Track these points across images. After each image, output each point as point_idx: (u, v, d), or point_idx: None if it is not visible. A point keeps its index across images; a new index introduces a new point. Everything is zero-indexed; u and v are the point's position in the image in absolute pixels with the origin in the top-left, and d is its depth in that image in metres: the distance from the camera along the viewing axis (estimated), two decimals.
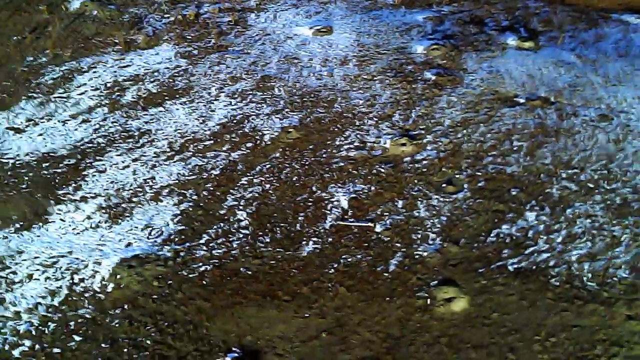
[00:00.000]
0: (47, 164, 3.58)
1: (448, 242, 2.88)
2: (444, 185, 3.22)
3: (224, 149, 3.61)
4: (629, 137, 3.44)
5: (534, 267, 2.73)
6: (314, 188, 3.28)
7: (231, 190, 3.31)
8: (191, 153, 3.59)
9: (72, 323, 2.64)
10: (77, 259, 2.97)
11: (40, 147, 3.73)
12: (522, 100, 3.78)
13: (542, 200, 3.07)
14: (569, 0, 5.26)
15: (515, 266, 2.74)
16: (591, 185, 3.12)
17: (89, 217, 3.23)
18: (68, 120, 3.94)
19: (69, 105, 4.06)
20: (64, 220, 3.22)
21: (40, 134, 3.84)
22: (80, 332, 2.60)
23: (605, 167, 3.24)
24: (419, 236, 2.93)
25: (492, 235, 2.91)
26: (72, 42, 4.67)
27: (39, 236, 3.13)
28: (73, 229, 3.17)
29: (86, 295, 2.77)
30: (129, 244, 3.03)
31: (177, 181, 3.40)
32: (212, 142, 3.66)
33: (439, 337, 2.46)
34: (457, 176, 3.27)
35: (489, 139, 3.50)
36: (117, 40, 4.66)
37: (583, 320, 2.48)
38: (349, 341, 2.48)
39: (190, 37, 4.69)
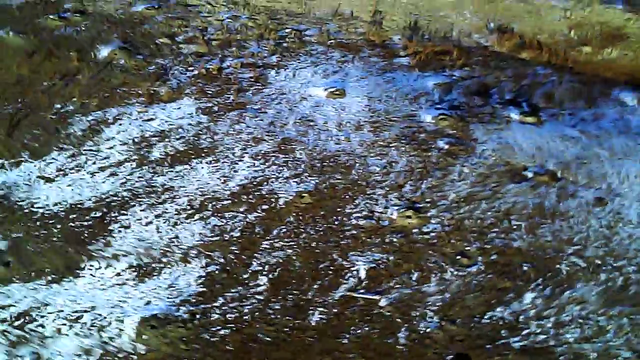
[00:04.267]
0: (74, 216, 3.82)
1: (445, 321, 3.10)
2: (457, 257, 3.45)
3: (240, 209, 3.84)
4: (619, 224, 3.66)
5: (536, 345, 2.94)
6: (334, 255, 3.50)
7: (255, 255, 3.53)
8: (210, 212, 3.82)
9: None
10: (99, 314, 3.19)
11: (67, 198, 3.97)
12: (530, 175, 4.03)
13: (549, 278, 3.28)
14: (577, 69, 5.49)
15: (519, 344, 2.95)
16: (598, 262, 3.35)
17: (118, 275, 3.46)
18: (97, 172, 4.18)
19: (99, 158, 4.30)
20: (94, 276, 3.45)
21: (69, 185, 4.08)
22: None
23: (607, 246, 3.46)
24: (418, 313, 3.15)
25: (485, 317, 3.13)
26: (98, 91, 4.93)
27: (67, 289, 3.36)
28: (101, 285, 3.40)
29: (119, 355, 3.00)
30: (148, 302, 3.26)
31: (201, 242, 3.62)
32: (230, 202, 3.89)
33: None
34: (468, 249, 3.50)
35: (489, 217, 3.73)
36: (140, 92, 4.91)
37: None
38: None
39: (211, 92, 4.94)
